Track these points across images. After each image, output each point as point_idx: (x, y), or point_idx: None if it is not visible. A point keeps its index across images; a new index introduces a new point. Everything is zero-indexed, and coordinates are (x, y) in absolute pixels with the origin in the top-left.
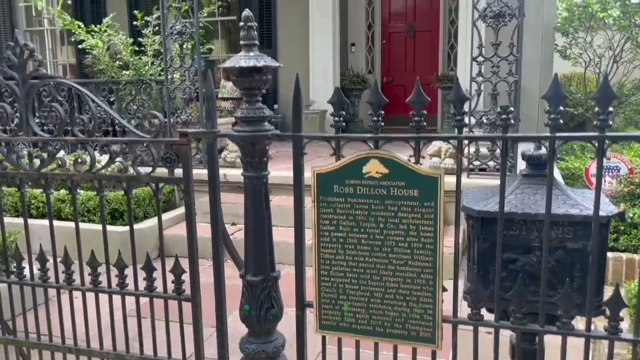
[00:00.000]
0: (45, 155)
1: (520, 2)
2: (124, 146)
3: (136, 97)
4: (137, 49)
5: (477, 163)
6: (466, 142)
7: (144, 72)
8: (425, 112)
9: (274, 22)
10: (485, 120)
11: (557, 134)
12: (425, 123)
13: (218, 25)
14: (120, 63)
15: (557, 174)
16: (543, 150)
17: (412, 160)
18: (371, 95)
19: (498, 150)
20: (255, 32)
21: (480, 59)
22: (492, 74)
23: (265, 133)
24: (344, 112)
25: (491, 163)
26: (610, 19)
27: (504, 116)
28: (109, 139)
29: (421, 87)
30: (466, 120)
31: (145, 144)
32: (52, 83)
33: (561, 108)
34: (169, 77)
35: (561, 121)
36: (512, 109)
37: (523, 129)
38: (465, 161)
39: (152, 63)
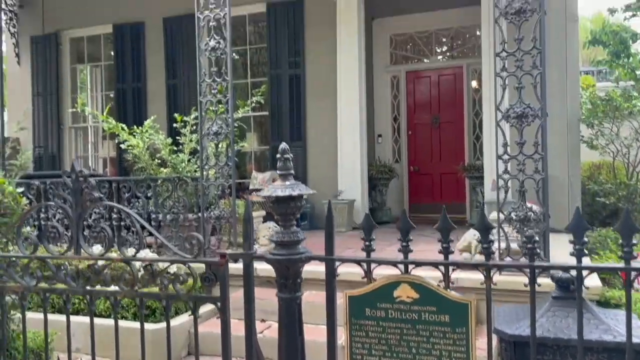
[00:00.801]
0: (91, 273)
1: (542, 104)
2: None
3: (172, 193)
4: (175, 148)
5: (508, 259)
6: (495, 270)
7: (180, 169)
8: (451, 235)
9: (303, 115)
10: (514, 217)
11: (583, 264)
12: (453, 249)
13: (251, 120)
14: (159, 161)
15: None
16: (574, 272)
17: (442, 285)
18: (399, 221)
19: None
20: (291, 163)
21: (506, 157)
22: (519, 170)
23: (300, 256)
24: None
25: (523, 259)
26: (635, 109)
27: (529, 245)
28: (152, 259)
29: (448, 175)
30: (494, 248)
31: (186, 264)
32: (103, 206)
33: (585, 239)
34: (205, 174)
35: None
36: (537, 238)
37: (554, 220)
38: (496, 255)
39: (189, 160)
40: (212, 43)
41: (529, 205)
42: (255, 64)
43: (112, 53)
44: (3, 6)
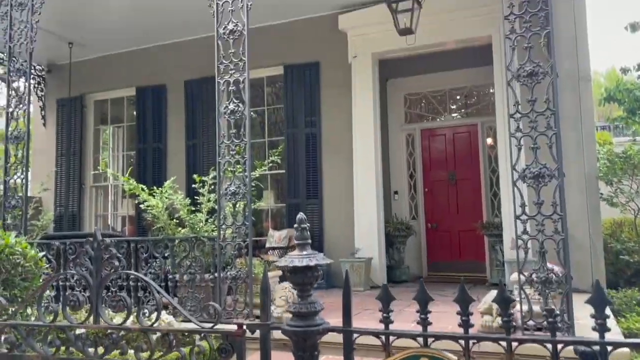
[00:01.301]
0: (109, 342)
1: (559, 164)
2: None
3: (190, 253)
4: (193, 208)
5: (531, 323)
6: (515, 343)
7: (198, 229)
8: (472, 313)
9: (319, 172)
10: (535, 279)
11: (607, 340)
12: (473, 323)
13: (268, 178)
14: (177, 221)
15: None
16: (597, 348)
17: (463, 359)
18: (417, 293)
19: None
20: (308, 232)
21: (524, 217)
22: (538, 231)
23: (317, 328)
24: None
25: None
26: None
27: (550, 319)
28: (170, 329)
29: (467, 232)
30: (514, 321)
31: (202, 334)
32: (123, 275)
33: (608, 313)
34: (222, 233)
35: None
36: (557, 312)
37: (576, 280)
38: (518, 317)
39: (207, 220)
40: (231, 106)
41: (550, 266)
42: (272, 123)
43: (134, 114)
44: (32, 71)
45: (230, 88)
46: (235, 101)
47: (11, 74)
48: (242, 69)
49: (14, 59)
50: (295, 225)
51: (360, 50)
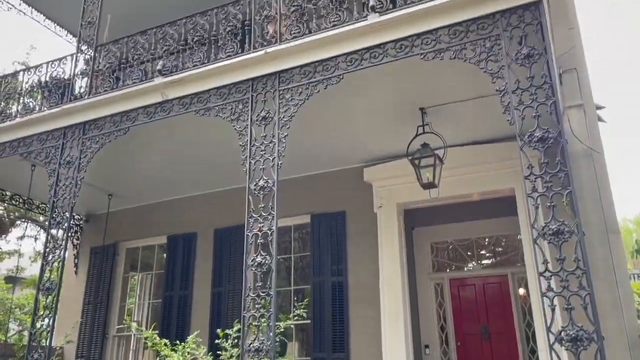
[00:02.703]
0: None
1: (597, 327)
2: None
3: None
4: None
5: None
6: None
7: None
8: None
9: (346, 324)
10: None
11: None
12: None
13: (292, 329)
14: None
15: None
16: None
17: None
18: None
19: None
20: None
21: None
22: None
23: None
24: None
25: None
26: None
27: None
28: None
29: None
30: None
31: None
32: None
33: None
34: None
35: None
36: None
37: None
38: None
39: None
40: (258, 259)
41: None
42: (298, 269)
43: (164, 261)
44: (71, 221)
45: (258, 241)
46: (263, 253)
47: (51, 226)
48: (270, 222)
49: (55, 211)
50: None
51: (385, 201)
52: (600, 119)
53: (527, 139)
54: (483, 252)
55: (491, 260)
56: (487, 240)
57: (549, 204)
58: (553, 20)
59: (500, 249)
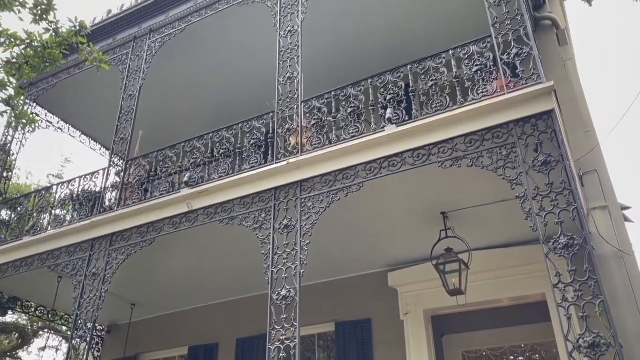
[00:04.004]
0: None
1: None
2: None
3: None
4: None
5: None
6: None
7: None
8: None
9: None
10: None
11: None
12: None
13: None
14: None
15: None
16: None
17: None
18: None
19: None
20: None
21: None
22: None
23: None
24: None
25: None
26: None
27: None
28: None
29: None
30: None
31: None
32: None
33: None
34: None
35: None
36: None
37: None
38: None
39: None
40: None
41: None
42: None
43: None
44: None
45: (280, 355)
46: None
47: (74, 338)
48: (293, 335)
49: (79, 324)
50: None
51: (412, 307)
52: (627, 219)
53: (552, 246)
54: None
55: None
56: (521, 349)
57: (581, 314)
58: (568, 125)
59: (537, 357)
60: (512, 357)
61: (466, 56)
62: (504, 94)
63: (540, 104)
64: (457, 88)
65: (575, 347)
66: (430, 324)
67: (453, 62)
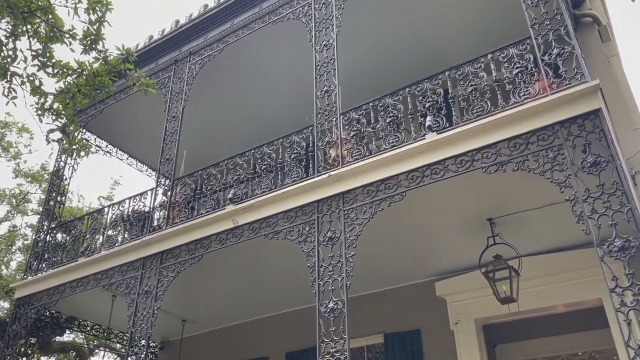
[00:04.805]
0: None
1: None
2: None
3: None
4: None
5: None
6: None
7: None
8: None
9: None
10: None
11: None
12: None
13: None
14: None
15: None
16: None
17: None
18: None
19: None
20: None
21: None
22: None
23: None
24: None
25: None
26: None
27: None
28: None
29: None
30: None
31: None
32: None
33: None
34: None
35: None
36: None
37: None
38: None
39: None
40: None
41: None
42: None
43: None
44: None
45: None
46: None
47: (129, 355)
48: (343, 347)
49: (133, 341)
50: None
51: (462, 317)
52: None
53: (606, 249)
54: None
55: None
56: (579, 357)
57: None
58: (616, 123)
59: None
60: None
61: (505, 59)
62: (547, 95)
63: (586, 104)
64: (497, 92)
65: (638, 353)
66: (482, 333)
67: (492, 66)
